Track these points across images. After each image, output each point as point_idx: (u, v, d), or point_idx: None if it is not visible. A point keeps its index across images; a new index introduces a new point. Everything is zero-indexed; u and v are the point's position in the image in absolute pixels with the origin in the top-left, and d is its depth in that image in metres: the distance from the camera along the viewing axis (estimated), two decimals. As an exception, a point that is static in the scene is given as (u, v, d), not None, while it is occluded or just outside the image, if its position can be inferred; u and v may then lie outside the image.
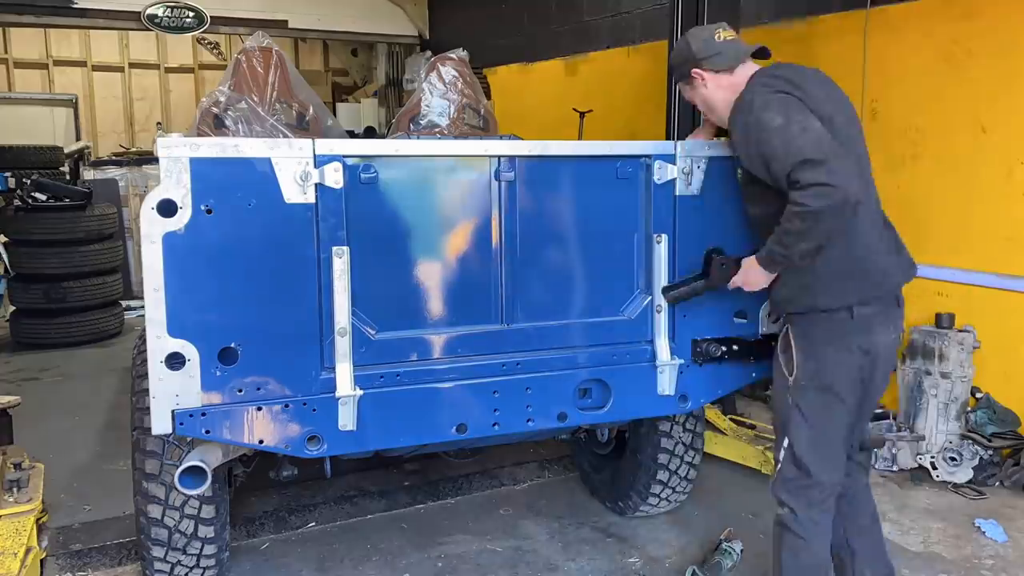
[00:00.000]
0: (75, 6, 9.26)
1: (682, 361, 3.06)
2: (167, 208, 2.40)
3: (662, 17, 6.25)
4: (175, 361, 2.45)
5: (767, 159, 2.53)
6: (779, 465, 2.76)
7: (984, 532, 3.84)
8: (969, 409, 4.50)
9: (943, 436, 4.41)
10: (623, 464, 3.93)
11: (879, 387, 2.74)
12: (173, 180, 2.40)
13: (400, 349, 2.76)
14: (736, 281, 2.84)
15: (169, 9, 9.71)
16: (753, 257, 2.73)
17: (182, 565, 3.10)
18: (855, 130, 2.69)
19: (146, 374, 2.47)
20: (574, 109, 7.16)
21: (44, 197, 7.56)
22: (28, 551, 3.13)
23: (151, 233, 2.39)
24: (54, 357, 7.28)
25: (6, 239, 7.66)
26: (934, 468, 4.39)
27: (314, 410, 2.63)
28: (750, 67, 2.79)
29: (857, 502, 2.92)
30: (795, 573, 2.76)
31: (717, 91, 2.80)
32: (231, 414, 2.53)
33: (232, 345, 2.51)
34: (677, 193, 3.00)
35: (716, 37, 2.79)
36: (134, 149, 12.73)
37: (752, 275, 2.77)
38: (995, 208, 4.56)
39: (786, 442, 2.73)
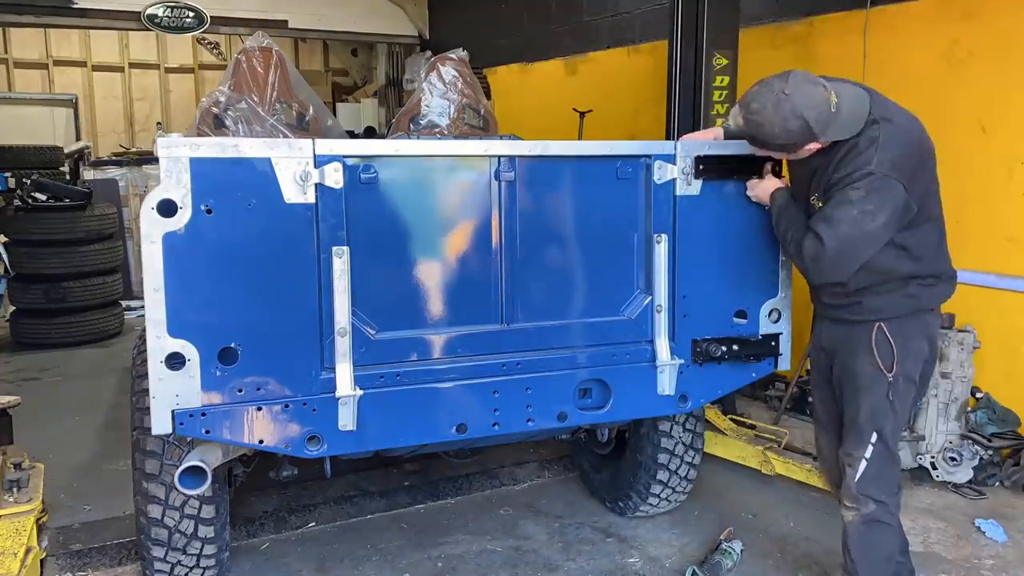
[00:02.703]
0: (75, 6, 9.25)
1: (682, 361, 3.06)
2: (167, 208, 2.40)
3: (662, 17, 6.24)
4: (175, 361, 2.45)
5: (832, 204, 2.64)
6: (864, 464, 2.80)
7: (984, 532, 3.84)
8: (969, 409, 4.49)
9: (943, 436, 4.40)
10: (623, 464, 3.93)
11: (934, 366, 3.00)
12: (173, 180, 2.40)
13: (400, 349, 2.77)
14: (752, 184, 3.03)
15: (169, 9, 9.70)
16: (781, 187, 2.95)
17: (182, 565, 3.10)
18: (933, 183, 2.82)
19: (146, 374, 2.48)
20: (574, 109, 7.17)
21: (44, 197, 7.55)
22: (28, 551, 3.12)
23: (151, 233, 2.39)
24: (54, 357, 7.28)
25: (6, 239, 7.65)
26: (934, 468, 4.38)
27: (314, 410, 2.63)
28: None
29: None
30: (885, 561, 2.85)
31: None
32: (231, 414, 2.53)
33: (232, 345, 2.51)
34: (677, 193, 3.00)
35: (831, 107, 2.59)
36: (134, 149, 12.72)
37: (762, 192, 2.99)
38: (995, 208, 4.55)
39: (874, 437, 2.80)
